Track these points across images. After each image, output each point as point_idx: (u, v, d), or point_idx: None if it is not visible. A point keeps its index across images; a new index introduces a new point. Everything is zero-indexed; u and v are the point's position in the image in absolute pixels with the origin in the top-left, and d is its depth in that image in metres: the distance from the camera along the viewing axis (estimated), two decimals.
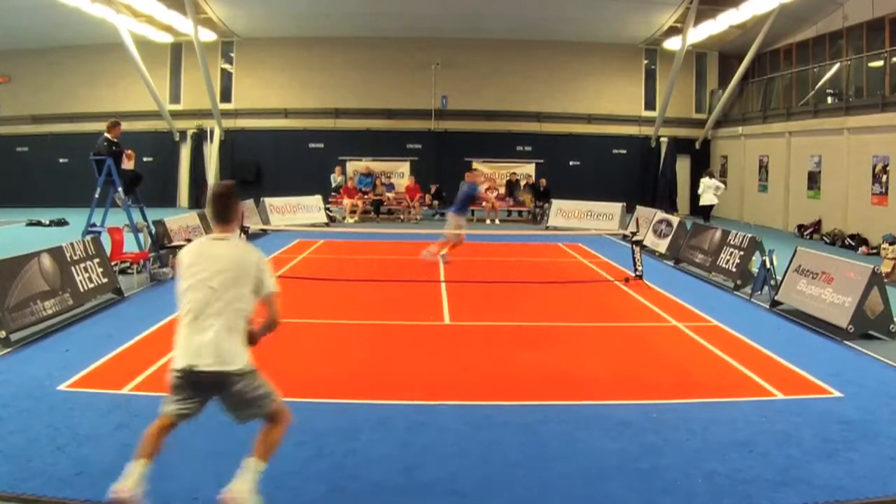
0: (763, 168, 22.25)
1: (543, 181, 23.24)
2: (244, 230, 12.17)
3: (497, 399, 6.00)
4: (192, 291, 3.78)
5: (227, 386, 3.79)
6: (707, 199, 20.13)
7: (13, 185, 24.31)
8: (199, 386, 3.79)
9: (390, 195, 23.19)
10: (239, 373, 3.77)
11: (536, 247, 16.30)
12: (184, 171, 25.24)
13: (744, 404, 5.95)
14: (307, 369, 6.76)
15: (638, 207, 18.27)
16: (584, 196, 21.22)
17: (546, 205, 21.79)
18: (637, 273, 11.84)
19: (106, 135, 11.07)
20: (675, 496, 4.28)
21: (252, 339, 3.92)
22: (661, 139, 25.29)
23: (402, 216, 22.48)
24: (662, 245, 15.21)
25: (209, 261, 3.82)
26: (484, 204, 22.37)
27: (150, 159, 23.22)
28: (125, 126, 12.41)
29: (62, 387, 6.01)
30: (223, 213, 3.97)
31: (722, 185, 20.87)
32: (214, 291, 3.74)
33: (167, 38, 23.76)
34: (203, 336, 3.71)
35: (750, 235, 11.67)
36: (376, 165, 23.69)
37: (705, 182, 20.46)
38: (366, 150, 24.34)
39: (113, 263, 10.33)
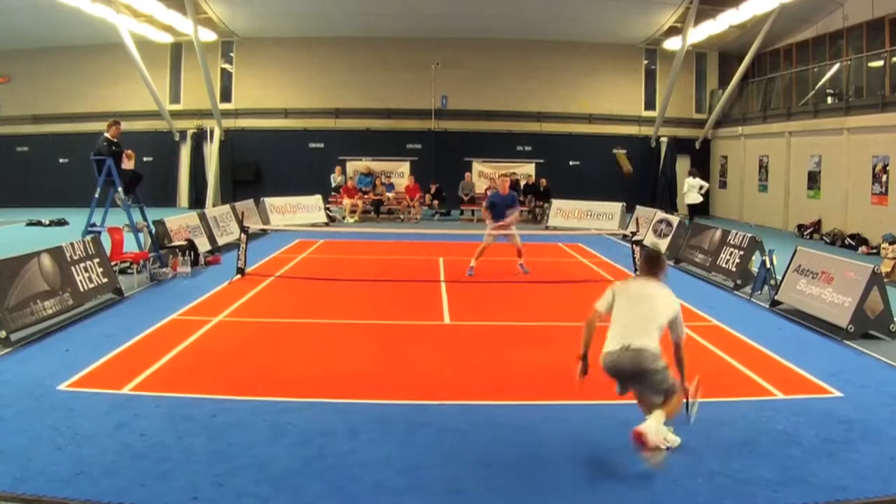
0: (763, 168, 22.25)
1: (543, 181, 23.23)
2: (244, 230, 12.18)
3: (497, 399, 6.00)
4: None
5: None
6: (692, 198, 20.24)
7: (13, 185, 24.32)
8: None
9: (390, 195, 23.19)
10: None
11: (536, 247, 16.29)
12: (184, 171, 25.23)
13: (744, 404, 5.96)
14: (307, 369, 6.76)
15: (638, 207, 18.27)
16: (584, 196, 21.24)
17: (546, 205, 21.79)
18: (637, 273, 11.82)
19: (105, 134, 11.07)
20: (675, 496, 4.28)
21: None
22: (661, 139, 25.29)
23: (402, 216, 22.48)
24: (662, 245, 15.18)
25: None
26: (484, 203, 22.40)
27: (150, 159, 23.24)
28: (125, 126, 12.42)
29: (62, 387, 6.01)
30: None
31: (706, 184, 20.98)
32: None
33: (167, 38, 23.75)
34: None
35: (750, 235, 11.67)
36: (376, 165, 23.70)
37: (689, 182, 20.60)
38: (366, 150, 24.35)
39: (113, 263, 10.33)
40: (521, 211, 22.90)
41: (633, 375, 4.72)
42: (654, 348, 4.66)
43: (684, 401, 4.94)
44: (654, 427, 4.53)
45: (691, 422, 4.97)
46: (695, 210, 20.11)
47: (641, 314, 4.77)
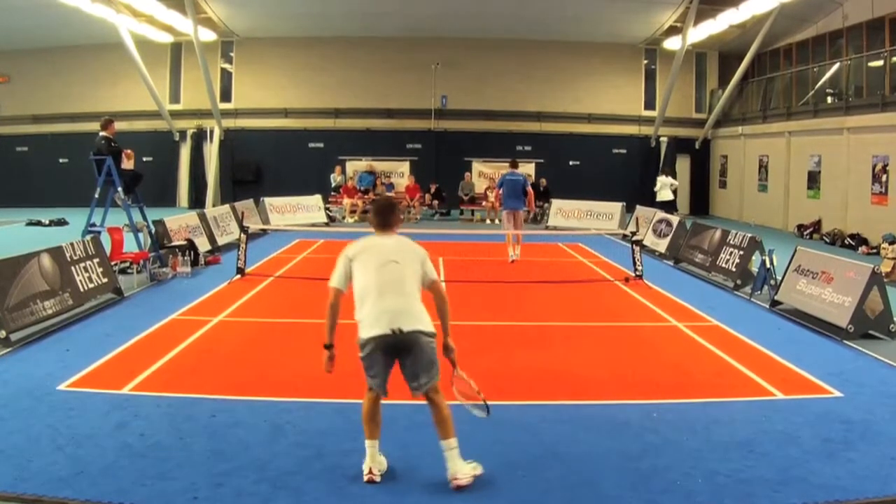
0: (763, 168, 22.25)
1: (543, 181, 23.22)
2: (244, 230, 12.18)
3: (497, 399, 5.99)
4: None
5: None
6: (664, 195, 20.65)
7: (13, 185, 24.33)
8: None
9: (390, 195, 23.17)
10: None
11: (536, 247, 16.29)
12: (184, 171, 25.24)
13: (744, 404, 5.95)
14: (307, 369, 6.76)
15: (638, 207, 18.27)
16: (584, 196, 21.25)
17: (546, 204, 21.79)
18: (637, 273, 11.84)
19: (102, 133, 11.04)
20: (675, 496, 4.28)
21: None
22: (661, 139, 25.29)
23: (401, 216, 22.45)
24: (662, 245, 15.21)
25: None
26: (484, 204, 22.44)
27: (150, 159, 23.24)
28: (125, 126, 12.45)
29: (62, 387, 6.01)
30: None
31: (676, 182, 21.40)
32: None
33: (167, 38, 23.75)
34: None
35: (750, 235, 11.66)
36: (376, 165, 23.70)
37: (661, 180, 21.00)
38: (366, 150, 24.35)
39: (113, 263, 10.33)
40: (527, 211, 23.03)
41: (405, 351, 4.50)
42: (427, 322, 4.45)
43: (473, 402, 4.75)
44: (458, 466, 4.36)
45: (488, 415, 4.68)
46: (666, 207, 20.32)
47: (395, 279, 4.47)
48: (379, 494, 4.27)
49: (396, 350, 4.42)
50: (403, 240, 4.76)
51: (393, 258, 4.53)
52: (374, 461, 4.47)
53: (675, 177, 21.91)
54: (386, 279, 4.45)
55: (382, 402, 5.84)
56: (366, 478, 4.40)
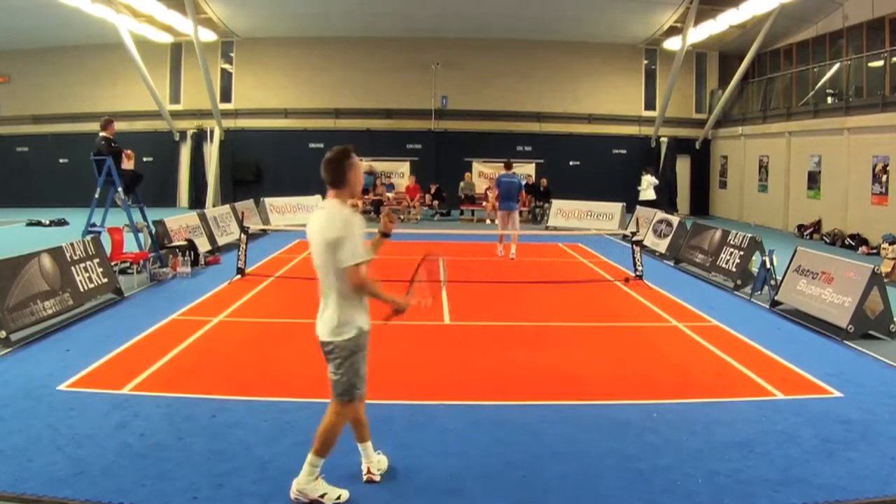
0: (763, 168, 22.25)
1: (544, 181, 23.23)
2: (244, 230, 12.17)
3: (497, 399, 6.00)
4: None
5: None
6: (648, 194, 20.88)
7: (13, 185, 24.33)
8: None
9: (390, 195, 23.19)
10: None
11: (536, 247, 16.29)
12: (184, 171, 25.24)
13: (744, 404, 5.95)
14: (307, 369, 6.75)
15: (638, 207, 18.27)
16: (584, 196, 21.25)
17: (546, 205, 21.80)
18: (637, 273, 11.84)
19: (102, 134, 11.05)
20: (675, 496, 4.28)
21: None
22: (661, 139, 25.29)
23: (402, 216, 22.47)
24: (662, 245, 15.21)
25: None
26: (484, 204, 22.45)
27: (150, 159, 23.25)
28: (125, 126, 12.46)
29: (62, 387, 6.01)
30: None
31: (656, 181, 21.70)
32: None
33: (167, 38, 23.75)
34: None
35: (750, 235, 11.67)
36: (376, 165, 23.69)
37: (647, 179, 21.23)
38: (366, 150, 24.28)
39: (113, 263, 10.33)
40: (521, 211, 23.07)
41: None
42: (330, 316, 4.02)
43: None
44: (302, 479, 4.07)
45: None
46: (649, 206, 20.42)
47: (318, 272, 4.04)
48: (379, 494, 4.27)
49: None
50: (327, 210, 4.04)
51: (313, 245, 4.06)
52: (370, 461, 4.43)
53: (657, 176, 22.17)
54: (319, 280, 4.09)
55: (380, 401, 5.87)
56: (365, 478, 4.39)
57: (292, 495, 4.12)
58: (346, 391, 4.11)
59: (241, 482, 4.33)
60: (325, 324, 4.08)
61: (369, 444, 4.44)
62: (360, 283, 3.96)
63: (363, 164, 23.22)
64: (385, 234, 4.57)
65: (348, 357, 4.07)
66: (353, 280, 3.93)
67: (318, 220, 4.01)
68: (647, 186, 21.04)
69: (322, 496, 4.10)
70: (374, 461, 4.45)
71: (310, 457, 4.12)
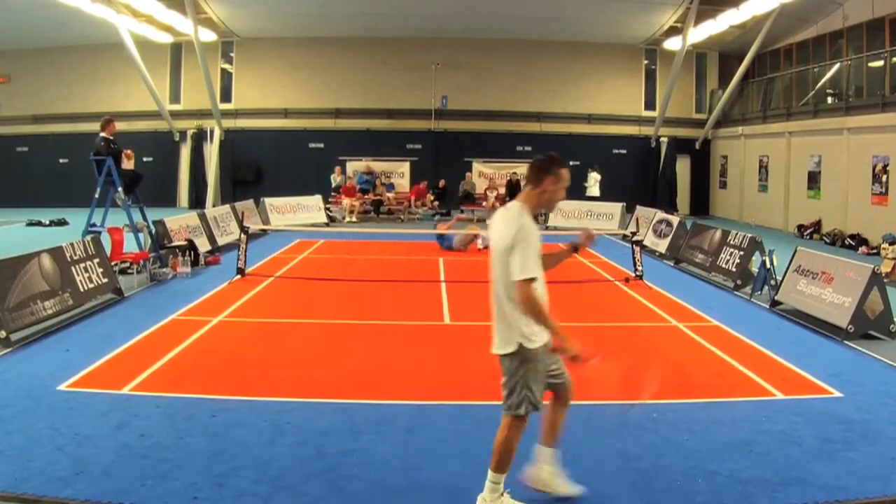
0: (763, 168, 22.25)
1: None
2: (244, 230, 12.18)
3: (497, 399, 5.96)
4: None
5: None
6: (593, 191, 21.52)
7: (13, 185, 24.34)
8: None
9: (390, 195, 23.20)
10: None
11: None
12: (184, 171, 25.25)
13: (744, 404, 5.95)
14: (307, 369, 6.76)
15: (638, 207, 18.27)
16: (585, 196, 21.24)
17: None
18: (637, 273, 11.84)
19: (102, 134, 11.05)
20: (675, 496, 4.28)
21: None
22: (661, 139, 25.30)
23: (402, 216, 22.48)
24: (662, 245, 15.21)
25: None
26: (484, 204, 22.45)
27: (150, 159, 23.26)
28: (125, 126, 12.46)
29: (62, 387, 6.01)
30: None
31: (599, 177, 22.15)
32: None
33: (167, 38, 23.76)
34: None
35: (750, 235, 11.66)
36: (376, 165, 23.70)
37: (593, 176, 21.76)
38: (366, 150, 24.35)
39: (113, 263, 10.33)
40: None
41: None
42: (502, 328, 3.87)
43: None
44: (487, 497, 3.90)
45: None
46: (593, 201, 21.26)
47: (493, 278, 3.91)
48: (379, 494, 4.27)
49: None
50: (506, 211, 3.87)
51: (492, 245, 3.89)
52: (539, 466, 4.10)
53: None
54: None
55: (380, 401, 5.88)
56: (525, 476, 4.12)
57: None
58: (514, 405, 3.91)
59: (241, 482, 4.33)
60: (494, 334, 3.93)
61: (549, 451, 4.17)
62: (524, 301, 3.69)
63: (362, 164, 23.37)
64: (576, 249, 4.35)
65: (515, 370, 3.86)
66: (521, 296, 3.69)
67: (498, 224, 3.84)
68: (594, 183, 21.75)
69: None
70: (544, 474, 4.15)
71: (490, 474, 3.92)
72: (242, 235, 12.08)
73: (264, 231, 17.18)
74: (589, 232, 4.26)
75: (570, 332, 3.82)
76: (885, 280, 8.97)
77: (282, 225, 18.63)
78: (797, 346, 7.87)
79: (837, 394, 6.19)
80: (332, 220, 21.21)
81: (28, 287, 7.87)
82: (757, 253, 11.22)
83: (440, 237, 15.28)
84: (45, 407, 5.53)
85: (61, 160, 24.24)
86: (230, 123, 24.99)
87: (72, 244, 9.16)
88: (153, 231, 11.96)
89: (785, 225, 20.53)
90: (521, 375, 3.85)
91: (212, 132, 24.74)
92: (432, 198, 22.96)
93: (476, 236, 15.07)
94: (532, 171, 3.89)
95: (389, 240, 16.82)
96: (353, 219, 21.55)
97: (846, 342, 7.99)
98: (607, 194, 21.25)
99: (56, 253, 8.68)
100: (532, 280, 3.67)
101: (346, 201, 21.78)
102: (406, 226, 20.67)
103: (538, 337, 3.83)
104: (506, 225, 3.73)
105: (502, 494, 3.94)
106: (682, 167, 25.64)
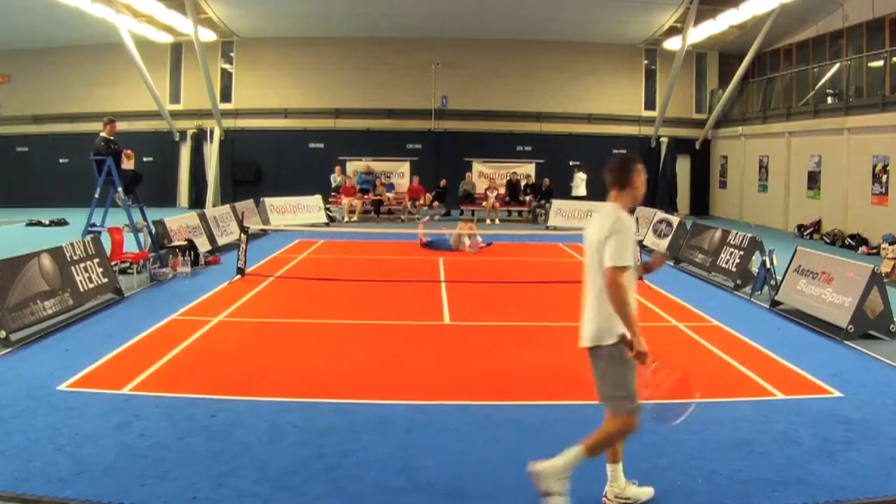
0: (763, 168, 22.25)
1: (546, 181, 23.24)
2: (244, 230, 12.18)
3: (497, 399, 6.00)
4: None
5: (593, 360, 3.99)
6: (579, 191, 21.86)
7: (13, 185, 24.33)
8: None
9: (390, 195, 23.19)
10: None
11: (536, 247, 16.30)
12: (184, 171, 25.25)
13: (744, 404, 5.95)
14: (307, 369, 6.76)
15: (638, 207, 18.21)
16: (585, 196, 21.24)
17: (547, 204, 21.81)
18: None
19: (102, 134, 11.06)
20: (675, 496, 4.28)
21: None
22: (661, 139, 25.29)
23: (402, 216, 22.47)
24: (662, 245, 15.20)
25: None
26: (484, 204, 22.45)
27: (150, 159, 23.23)
28: (125, 126, 12.46)
29: (62, 387, 6.01)
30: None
31: (585, 177, 22.39)
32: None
33: (167, 38, 23.76)
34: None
35: (750, 235, 11.66)
36: (376, 165, 23.70)
37: (579, 176, 22.09)
38: (366, 150, 24.35)
39: (113, 263, 10.33)
40: (521, 211, 23.13)
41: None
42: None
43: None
44: (551, 467, 3.87)
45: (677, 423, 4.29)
46: (579, 200, 21.44)
47: (586, 273, 4.04)
48: (379, 494, 4.27)
49: None
50: (604, 211, 3.99)
51: (586, 245, 4.03)
52: (614, 484, 4.12)
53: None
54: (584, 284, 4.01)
55: (380, 401, 5.88)
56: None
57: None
58: (610, 400, 3.96)
59: (241, 482, 4.33)
60: (587, 329, 3.98)
61: (619, 466, 4.15)
62: (613, 286, 3.74)
63: (361, 164, 23.37)
64: (648, 269, 4.64)
65: (609, 365, 3.90)
66: (609, 281, 3.75)
67: (595, 221, 4.00)
68: (580, 183, 22.08)
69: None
70: (621, 486, 4.13)
71: (574, 453, 3.95)
72: (242, 235, 12.08)
73: (264, 231, 17.18)
74: (662, 254, 4.43)
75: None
76: (885, 280, 8.97)
77: (282, 225, 18.63)
78: (797, 346, 7.87)
79: (837, 394, 6.19)
80: (332, 220, 21.21)
81: (28, 287, 7.87)
82: (757, 253, 11.22)
83: (429, 243, 15.28)
84: (45, 407, 5.53)
85: (61, 160, 24.22)
86: (230, 123, 24.98)
87: (72, 244, 9.16)
88: (153, 231, 11.96)
89: (785, 225, 20.53)
90: (616, 370, 3.94)
91: (212, 132, 24.73)
92: (430, 197, 22.93)
93: (463, 236, 15.14)
94: (616, 174, 4.09)
95: (389, 240, 16.82)
96: (354, 219, 21.56)
97: (846, 342, 7.99)
98: (607, 195, 21.21)
99: (56, 253, 8.68)
100: (624, 269, 3.77)
101: (345, 201, 21.78)
102: (406, 226, 20.66)
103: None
104: (603, 218, 3.90)
105: (627, 482, 4.11)
106: (682, 167, 25.64)
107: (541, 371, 6.80)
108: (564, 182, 23.46)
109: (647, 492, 4.20)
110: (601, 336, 3.89)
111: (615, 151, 25.50)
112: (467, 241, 15.00)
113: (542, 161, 24.54)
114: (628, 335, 3.82)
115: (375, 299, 10.28)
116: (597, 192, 21.51)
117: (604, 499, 4.15)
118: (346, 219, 21.57)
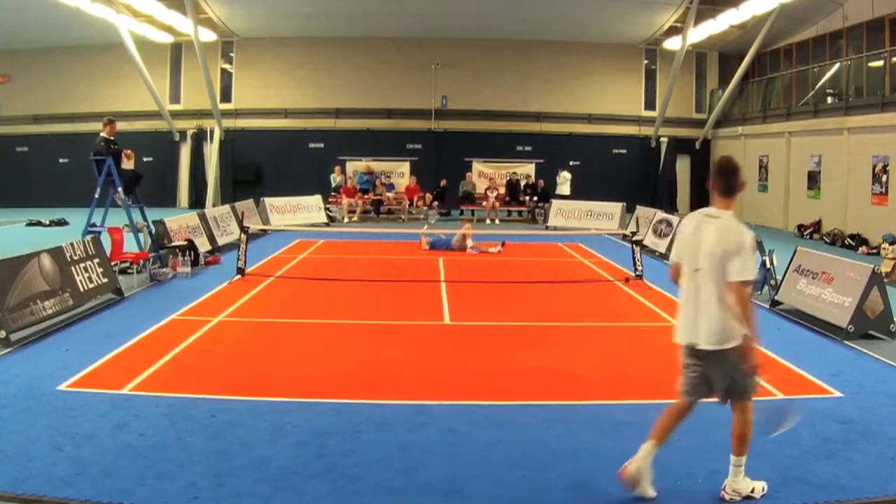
0: (763, 168, 22.25)
1: (541, 182, 23.26)
2: (244, 230, 12.18)
3: (497, 399, 6.00)
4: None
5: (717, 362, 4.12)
6: (563, 190, 22.08)
7: (13, 185, 24.34)
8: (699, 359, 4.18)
9: (390, 195, 23.18)
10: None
11: (536, 247, 16.30)
12: (184, 171, 25.26)
13: None
14: (307, 369, 6.76)
15: (638, 207, 18.26)
16: (585, 196, 21.26)
17: (546, 205, 21.82)
18: (637, 273, 11.84)
19: (102, 134, 11.06)
20: (676, 496, 4.28)
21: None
22: (661, 139, 25.30)
23: (402, 216, 22.47)
24: (662, 245, 15.19)
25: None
26: (484, 204, 22.45)
27: (150, 159, 23.24)
28: (125, 126, 12.46)
29: (62, 387, 6.00)
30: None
31: (570, 176, 22.58)
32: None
33: (167, 38, 23.77)
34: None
35: None
36: (376, 165, 23.69)
37: (563, 175, 22.30)
38: (366, 150, 24.35)
39: (113, 263, 10.33)
40: (521, 211, 23.13)
41: None
42: None
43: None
44: (734, 482, 4.20)
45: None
46: (563, 199, 21.69)
47: (698, 286, 4.24)
48: (379, 494, 4.27)
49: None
50: (724, 221, 4.12)
51: (700, 249, 4.11)
52: (640, 460, 4.23)
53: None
54: (689, 286, 4.17)
55: (380, 401, 5.87)
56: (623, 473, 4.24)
57: (726, 496, 4.19)
58: (745, 389, 4.15)
59: (241, 482, 4.33)
60: (708, 333, 4.07)
61: (654, 445, 4.27)
62: (741, 300, 3.93)
63: (361, 164, 23.37)
64: None
65: (739, 361, 4.05)
66: (737, 295, 3.93)
67: (716, 231, 4.08)
68: (563, 182, 22.28)
69: (752, 491, 4.21)
70: (643, 470, 4.25)
71: (733, 458, 4.19)
72: (242, 235, 12.08)
73: (264, 231, 17.18)
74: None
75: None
76: (885, 280, 8.96)
77: (282, 225, 18.63)
78: (797, 346, 7.87)
79: (837, 394, 6.19)
80: (332, 220, 21.21)
81: (28, 287, 7.87)
82: (757, 253, 11.20)
83: (431, 245, 15.27)
84: (45, 407, 5.52)
85: (61, 160, 24.24)
86: (230, 123, 24.99)
87: (72, 244, 9.16)
88: (153, 231, 11.96)
89: (785, 225, 20.53)
90: (745, 363, 4.07)
91: (212, 132, 24.74)
92: (430, 197, 22.91)
93: (466, 237, 15.13)
94: (724, 179, 4.27)
95: (389, 240, 16.82)
96: (354, 219, 21.56)
97: (846, 342, 7.99)
98: (607, 195, 21.22)
99: (56, 253, 8.68)
100: (752, 283, 4.07)
101: (345, 201, 21.77)
102: (405, 226, 20.66)
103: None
104: (728, 232, 4.04)
105: (744, 476, 4.24)
106: (682, 167, 25.65)
107: (541, 371, 6.80)
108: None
109: (762, 485, 4.30)
110: (726, 339, 4.04)
111: (615, 151, 25.58)
112: (470, 243, 15.01)
113: (541, 161, 24.53)
114: (750, 338, 4.00)
115: (375, 299, 10.28)
116: (583, 191, 21.63)
117: (722, 492, 4.26)
118: (346, 219, 21.57)
